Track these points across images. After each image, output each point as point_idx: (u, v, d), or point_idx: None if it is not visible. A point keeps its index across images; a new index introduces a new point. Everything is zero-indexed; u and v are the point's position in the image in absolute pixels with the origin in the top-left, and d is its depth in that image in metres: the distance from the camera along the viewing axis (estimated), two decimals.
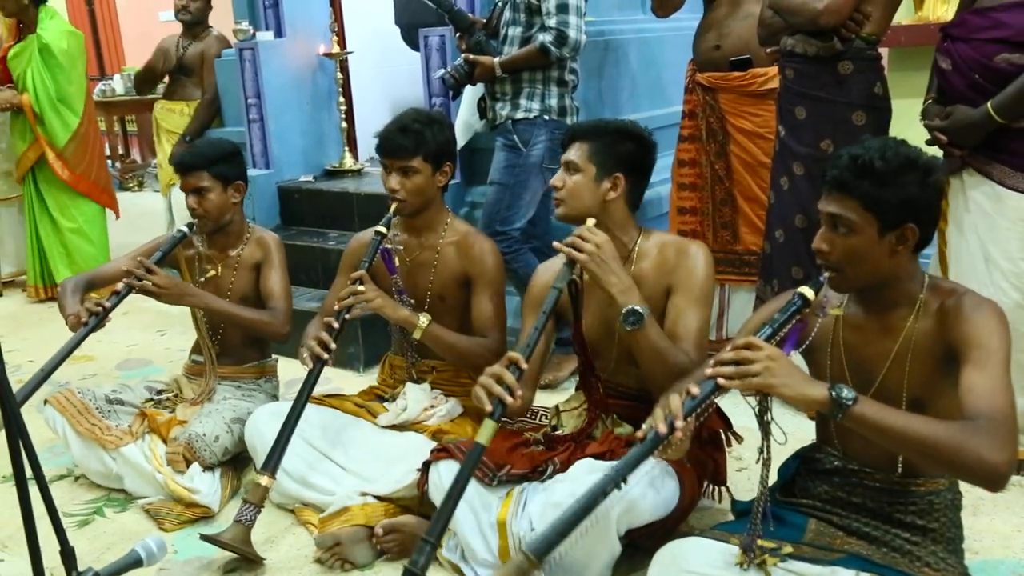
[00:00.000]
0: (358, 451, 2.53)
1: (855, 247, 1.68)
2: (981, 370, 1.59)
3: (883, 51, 2.93)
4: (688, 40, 3.49)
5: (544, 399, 2.50)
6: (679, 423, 1.59)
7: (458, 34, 3.46)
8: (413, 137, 2.51)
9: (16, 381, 2.45)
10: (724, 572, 1.72)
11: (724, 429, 2.32)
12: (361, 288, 2.42)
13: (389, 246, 2.59)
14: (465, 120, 3.81)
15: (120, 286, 2.63)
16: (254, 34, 4.59)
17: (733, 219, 3.43)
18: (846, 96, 2.78)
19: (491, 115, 3.46)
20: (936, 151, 2.46)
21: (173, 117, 4.93)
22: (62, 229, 4.83)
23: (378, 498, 2.39)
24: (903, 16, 3.47)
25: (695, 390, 1.62)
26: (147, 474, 2.61)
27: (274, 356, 3.04)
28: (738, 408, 1.95)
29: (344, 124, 4.80)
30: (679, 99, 3.57)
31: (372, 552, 2.31)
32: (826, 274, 1.75)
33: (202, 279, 2.87)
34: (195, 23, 4.84)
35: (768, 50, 3.09)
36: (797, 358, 1.89)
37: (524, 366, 2.00)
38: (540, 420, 2.49)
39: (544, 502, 2.07)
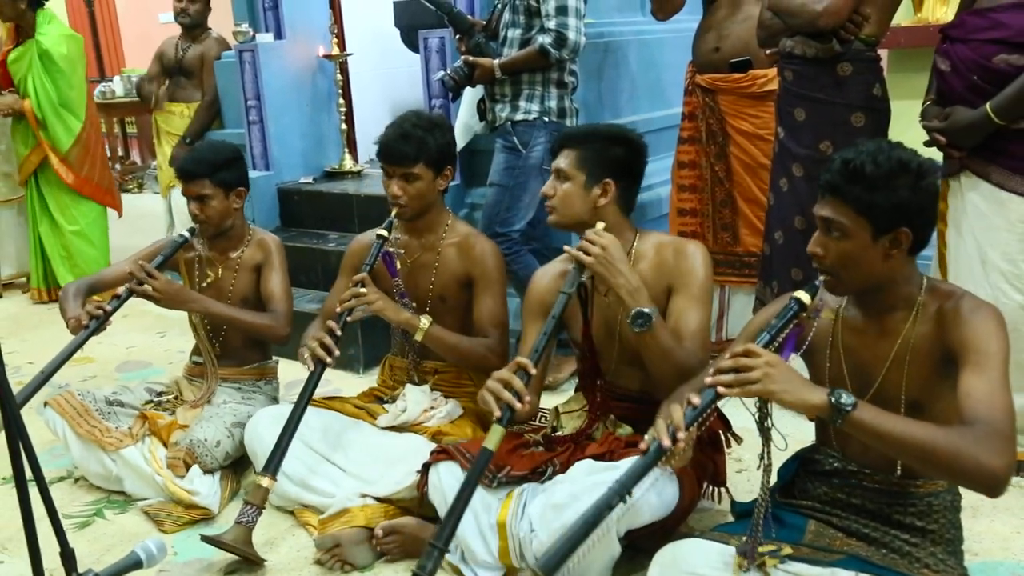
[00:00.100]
0: (358, 453, 2.53)
1: (849, 251, 1.69)
2: (979, 374, 1.59)
3: (882, 53, 2.93)
4: (688, 42, 3.49)
5: (543, 400, 2.51)
6: (681, 434, 1.59)
7: (458, 36, 3.46)
8: (415, 144, 2.50)
9: (16, 383, 2.45)
10: (724, 573, 1.72)
11: (723, 430, 2.32)
12: (363, 290, 2.43)
13: (390, 249, 2.59)
14: (464, 122, 3.81)
15: (121, 290, 2.64)
16: (254, 36, 4.59)
17: (733, 220, 3.43)
18: (845, 98, 2.78)
19: (491, 117, 3.46)
20: (935, 153, 2.47)
21: (173, 119, 4.93)
22: (64, 231, 4.83)
23: (378, 499, 2.39)
24: (902, 18, 3.47)
25: (696, 400, 1.63)
26: (147, 476, 2.62)
27: (275, 358, 3.05)
28: (737, 409, 1.95)
29: (344, 126, 4.80)
30: (679, 101, 3.58)
31: (372, 553, 2.31)
32: (821, 278, 1.75)
33: (203, 283, 2.88)
34: (194, 25, 4.84)
35: (767, 52, 3.09)
36: (798, 361, 1.90)
37: (533, 371, 2.01)
38: (540, 422, 2.49)
39: (544, 503, 2.07)
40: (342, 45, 4.87)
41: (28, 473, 1.50)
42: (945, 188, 2.58)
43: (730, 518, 2.14)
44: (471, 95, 3.72)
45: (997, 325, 1.65)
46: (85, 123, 4.78)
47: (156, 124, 5.06)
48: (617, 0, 4.21)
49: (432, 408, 2.62)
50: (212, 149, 2.89)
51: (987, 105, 2.35)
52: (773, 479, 1.80)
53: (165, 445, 2.66)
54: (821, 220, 1.72)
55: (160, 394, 2.91)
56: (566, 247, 2.13)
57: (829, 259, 1.72)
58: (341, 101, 4.77)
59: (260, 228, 3.01)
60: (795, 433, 1.87)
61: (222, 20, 4.98)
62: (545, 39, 3.19)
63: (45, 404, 2.74)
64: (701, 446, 2.23)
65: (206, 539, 2.28)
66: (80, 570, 1.65)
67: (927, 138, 2.52)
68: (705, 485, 2.32)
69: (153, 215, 5.56)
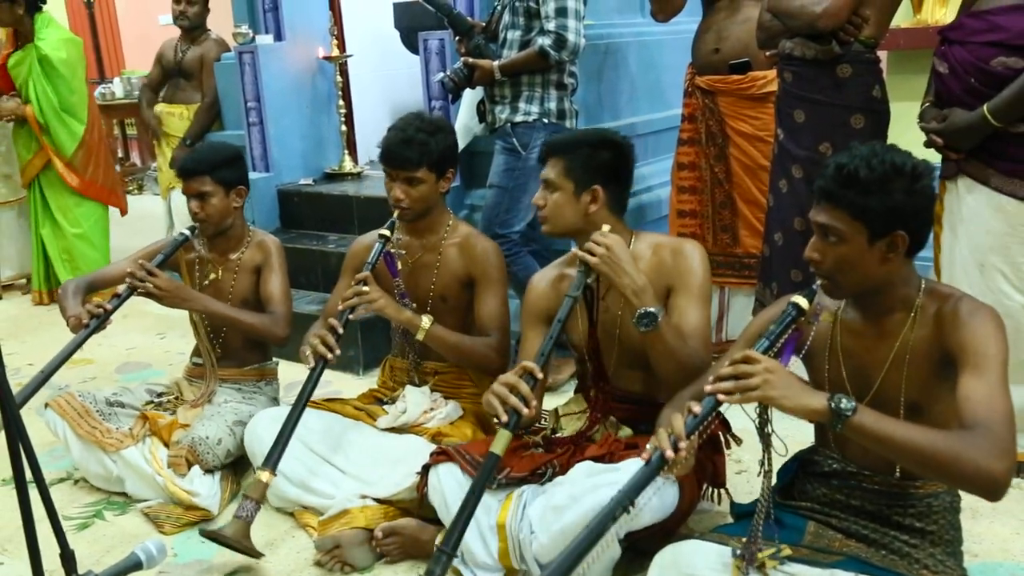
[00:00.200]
0: (358, 454, 2.53)
1: (845, 255, 1.69)
2: (979, 377, 1.59)
3: (882, 54, 2.93)
4: (687, 43, 3.49)
5: (543, 402, 2.51)
6: (683, 443, 1.60)
7: (457, 38, 3.47)
8: (418, 148, 2.50)
9: (16, 384, 2.46)
10: (723, 575, 1.72)
11: (723, 432, 2.32)
12: (365, 289, 2.43)
13: (392, 250, 2.59)
14: (464, 123, 3.81)
15: (121, 289, 2.64)
16: (254, 38, 4.59)
17: (732, 222, 3.43)
18: (845, 99, 2.78)
19: (490, 118, 3.46)
20: (933, 154, 2.47)
21: (172, 120, 4.94)
22: (66, 234, 4.83)
23: (378, 501, 2.39)
24: (901, 19, 3.48)
25: (696, 408, 1.63)
26: (147, 477, 2.62)
27: (275, 359, 3.05)
28: (737, 411, 1.95)
29: (344, 127, 4.80)
30: (678, 102, 3.58)
31: (372, 555, 2.32)
32: (819, 282, 1.75)
33: (203, 283, 2.88)
34: (193, 27, 4.85)
35: (767, 53, 3.10)
36: (798, 364, 1.90)
37: (539, 375, 2.01)
38: (540, 423, 2.49)
39: (544, 505, 2.07)
40: (342, 47, 4.87)
41: (28, 474, 1.50)
42: (942, 190, 2.59)
43: (730, 519, 2.15)
44: (471, 97, 3.72)
45: (996, 327, 1.65)
46: (88, 126, 4.78)
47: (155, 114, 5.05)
48: (617, 2, 4.22)
49: (432, 409, 2.62)
50: (212, 148, 2.91)
51: (984, 107, 2.34)
52: (772, 481, 1.80)
53: (166, 445, 2.66)
54: (817, 225, 1.72)
55: (160, 395, 2.92)
56: (575, 249, 2.13)
57: (826, 264, 1.72)
58: (341, 103, 4.77)
59: (260, 230, 3.01)
60: (794, 434, 1.87)
61: (222, 22, 4.99)
62: (545, 41, 3.20)
63: (46, 405, 2.74)
64: (701, 448, 2.23)
65: (204, 533, 2.28)
66: (80, 571, 1.65)
67: (926, 139, 2.52)
68: (705, 486, 2.32)
69: (153, 216, 5.57)
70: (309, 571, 2.32)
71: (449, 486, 2.19)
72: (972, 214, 2.47)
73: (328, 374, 3.66)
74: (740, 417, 2.00)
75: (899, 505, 1.80)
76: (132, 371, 3.89)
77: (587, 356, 2.35)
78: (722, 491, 2.35)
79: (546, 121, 3.31)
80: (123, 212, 5.19)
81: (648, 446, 1.65)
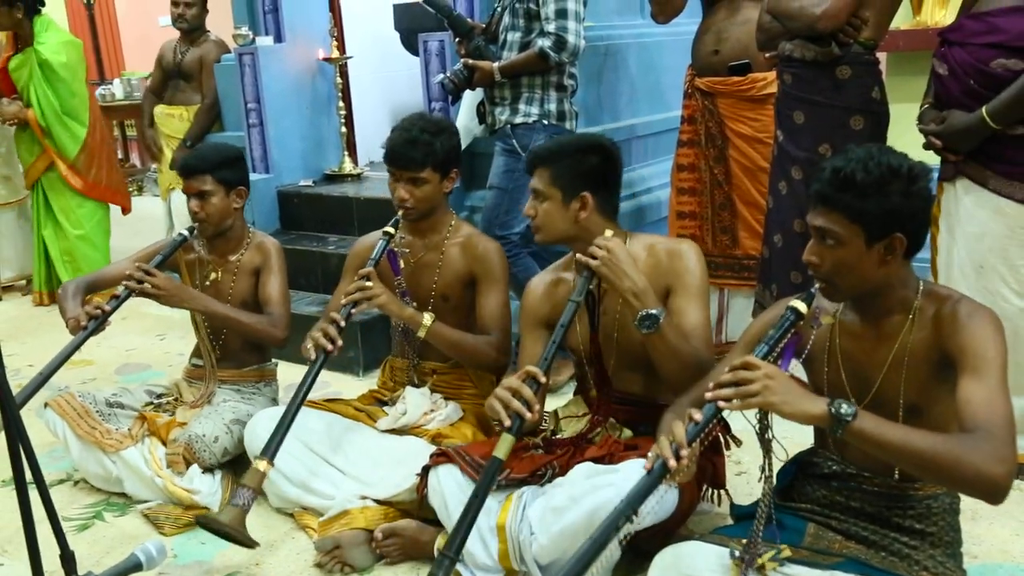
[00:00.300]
0: (358, 455, 2.53)
1: (843, 259, 1.69)
2: (978, 380, 1.59)
3: (881, 56, 2.94)
4: (687, 45, 3.50)
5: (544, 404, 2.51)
6: (684, 451, 1.60)
7: (457, 39, 3.47)
8: (422, 149, 2.51)
9: (15, 385, 2.46)
10: None
11: (723, 433, 2.32)
12: (368, 284, 2.44)
13: (395, 248, 2.60)
14: (464, 125, 3.81)
15: (120, 289, 2.64)
16: (254, 39, 4.59)
17: (732, 223, 3.43)
18: (844, 100, 2.78)
19: (490, 120, 3.46)
20: (932, 156, 2.47)
21: (172, 122, 4.94)
22: (68, 235, 4.83)
23: (378, 502, 2.39)
24: (901, 21, 3.48)
25: (697, 415, 1.64)
26: (146, 478, 2.61)
27: (274, 360, 3.05)
28: (737, 414, 1.95)
29: (344, 129, 4.80)
30: (678, 104, 3.58)
31: (371, 556, 2.31)
32: (817, 285, 1.75)
33: (203, 284, 2.88)
34: (192, 29, 4.85)
35: (766, 55, 3.10)
36: (798, 366, 1.90)
37: (543, 380, 2.01)
38: (541, 427, 2.49)
39: (544, 506, 2.07)
40: (342, 48, 4.87)
41: (28, 475, 1.50)
42: (940, 192, 2.59)
43: (729, 520, 2.15)
44: (470, 98, 3.73)
45: (995, 330, 1.65)
46: (89, 128, 4.79)
47: (156, 127, 5.07)
48: (617, 3, 4.22)
49: (432, 411, 2.62)
50: (214, 148, 2.91)
51: (983, 109, 2.34)
52: (773, 486, 1.80)
53: (164, 444, 2.66)
54: (815, 229, 1.72)
55: (160, 396, 2.92)
56: (578, 255, 2.13)
57: (824, 267, 1.72)
58: (341, 104, 4.77)
59: (260, 231, 3.01)
60: (794, 436, 1.87)
61: (222, 23, 4.99)
62: (545, 42, 3.20)
63: (45, 405, 2.74)
64: (700, 449, 2.23)
65: (200, 519, 2.29)
66: (80, 572, 1.65)
67: (925, 141, 2.52)
68: (704, 487, 2.32)
69: (153, 218, 5.57)
70: (309, 572, 2.32)
71: (449, 488, 2.19)
72: (970, 216, 2.47)
73: (328, 375, 3.67)
74: (740, 419, 2.00)
75: (899, 507, 1.80)
76: (132, 372, 3.89)
77: (588, 360, 2.35)
78: (722, 492, 2.35)
79: (546, 123, 3.31)
80: (126, 211, 5.18)
81: (649, 454, 1.66)
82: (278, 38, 4.65)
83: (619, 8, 4.25)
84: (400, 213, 2.58)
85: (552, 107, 3.32)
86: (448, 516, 2.17)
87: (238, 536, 2.24)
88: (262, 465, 2.28)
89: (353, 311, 2.44)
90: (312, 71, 4.75)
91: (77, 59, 4.75)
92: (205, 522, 2.27)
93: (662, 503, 2.02)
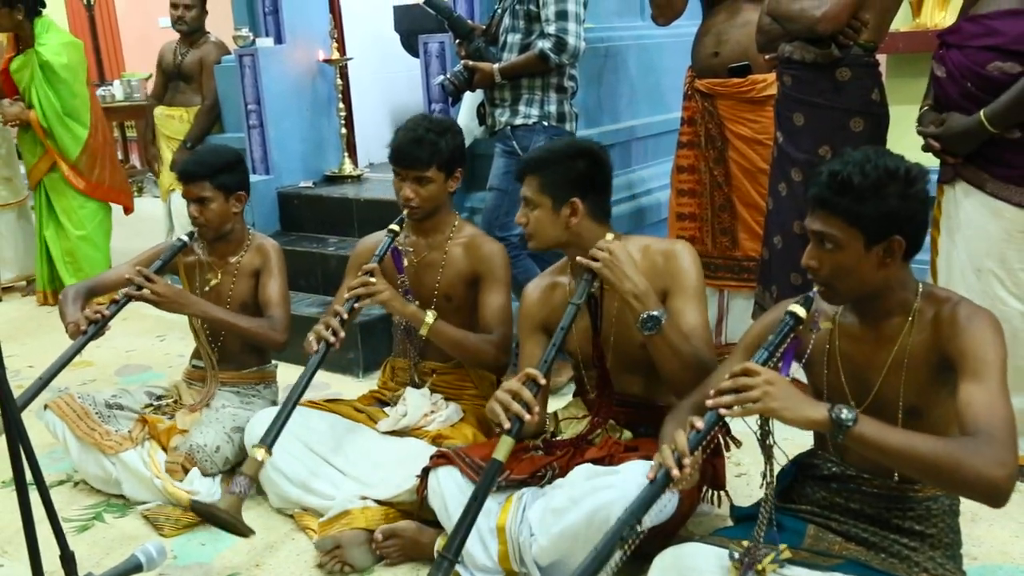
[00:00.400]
0: (358, 456, 2.53)
1: (842, 262, 1.69)
2: (978, 384, 1.59)
3: (881, 58, 2.94)
4: (687, 47, 3.50)
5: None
6: (687, 460, 1.61)
7: (457, 40, 3.47)
8: (428, 148, 2.53)
9: (16, 387, 2.46)
10: None
11: (723, 434, 2.32)
12: (372, 280, 2.44)
13: (399, 247, 2.60)
14: (464, 126, 3.79)
15: (119, 294, 2.65)
16: (254, 40, 4.59)
17: (732, 225, 3.44)
18: (844, 102, 2.78)
19: (490, 121, 3.47)
20: (931, 158, 2.47)
21: (172, 123, 4.95)
22: (70, 236, 4.83)
23: (378, 502, 2.39)
24: (901, 23, 3.48)
25: (699, 423, 1.64)
26: (146, 479, 2.62)
27: (274, 362, 3.05)
28: (738, 419, 1.95)
29: (344, 130, 4.80)
30: (678, 105, 3.59)
31: (371, 556, 2.31)
32: (816, 289, 1.75)
33: (203, 287, 2.88)
34: (192, 31, 4.85)
35: (766, 57, 3.10)
36: (798, 369, 1.90)
37: (543, 382, 2.01)
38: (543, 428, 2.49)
39: (544, 507, 2.07)
40: (342, 49, 4.87)
41: (28, 476, 1.50)
42: (940, 195, 2.59)
43: (729, 522, 2.15)
44: (471, 99, 3.73)
45: (994, 332, 1.65)
46: (91, 129, 4.79)
47: (156, 128, 5.07)
48: (617, 5, 4.23)
49: (432, 412, 2.62)
50: (214, 152, 2.90)
51: (981, 112, 2.34)
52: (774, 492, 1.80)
53: (164, 449, 2.67)
54: (813, 233, 1.72)
55: (160, 398, 2.92)
56: (578, 257, 2.13)
57: (823, 271, 1.72)
58: (341, 105, 4.77)
59: (259, 233, 3.01)
60: (794, 437, 1.87)
61: (222, 24, 4.99)
62: (545, 44, 3.20)
63: (45, 407, 2.74)
64: (703, 457, 2.23)
65: (195, 506, 2.29)
66: (80, 573, 1.65)
67: (923, 143, 2.52)
68: (704, 489, 2.32)
69: (153, 219, 5.57)
70: (309, 574, 2.32)
71: (449, 489, 2.19)
72: (969, 219, 2.47)
73: (328, 377, 3.67)
74: (740, 422, 2.00)
75: (898, 508, 1.80)
76: (131, 373, 3.89)
77: (588, 363, 2.35)
78: (722, 494, 2.35)
79: (546, 124, 3.32)
80: (129, 210, 5.19)
81: (652, 463, 1.67)
82: (278, 39, 4.65)
83: (619, 10, 4.25)
84: (405, 212, 2.59)
85: (552, 109, 3.33)
86: (448, 518, 2.17)
87: (233, 523, 2.22)
88: (260, 454, 2.27)
89: (356, 305, 2.45)
90: (312, 72, 4.75)
91: (78, 60, 4.75)
92: (201, 508, 2.26)
93: (662, 505, 2.02)
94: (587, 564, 1.59)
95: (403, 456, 2.47)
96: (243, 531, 2.25)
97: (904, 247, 1.68)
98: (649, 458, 2.05)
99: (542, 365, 2.06)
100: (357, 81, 5.24)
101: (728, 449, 2.33)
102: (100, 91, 7.62)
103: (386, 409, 2.71)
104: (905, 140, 2.60)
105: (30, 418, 2.43)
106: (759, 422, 1.69)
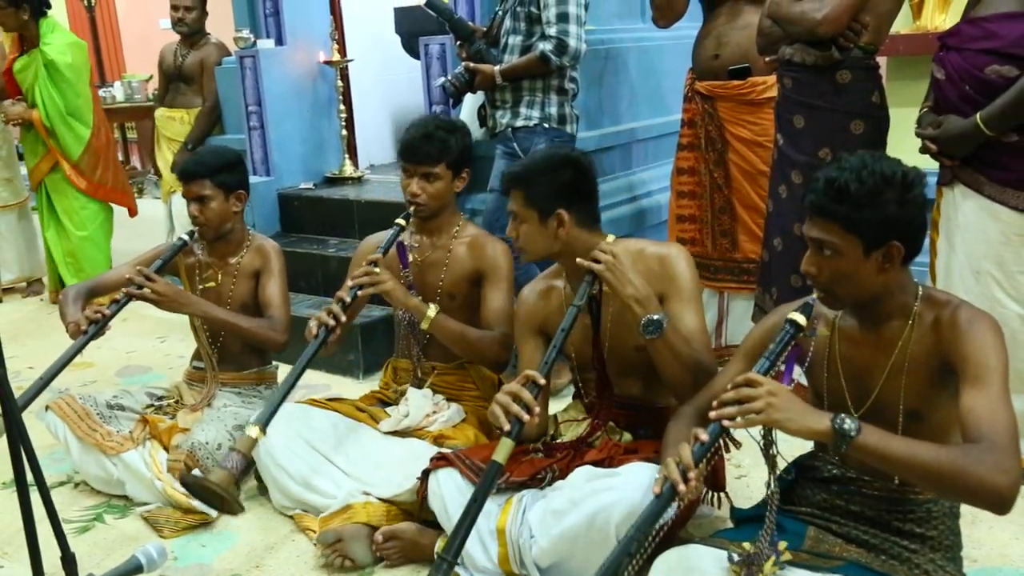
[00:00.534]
0: (360, 456, 2.54)
1: (841, 269, 1.69)
2: (980, 390, 1.59)
3: (881, 60, 2.94)
4: (687, 49, 3.50)
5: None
6: (692, 473, 1.61)
7: (458, 42, 3.48)
8: (438, 144, 2.55)
9: (16, 387, 2.46)
10: None
11: (722, 435, 2.32)
12: (376, 270, 2.45)
13: (405, 242, 2.61)
14: None
15: (120, 294, 2.65)
16: (255, 42, 4.60)
17: (732, 227, 3.44)
18: (844, 105, 2.79)
19: (491, 123, 3.47)
20: (930, 161, 2.47)
21: (173, 124, 4.95)
22: (71, 236, 4.83)
23: (380, 499, 2.39)
24: (901, 25, 3.48)
25: (703, 436, 1.64)
26: (147, 480, 2.62)
27: (274, 363, 3.05)
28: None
29: (344, 132, 4.81)
30: (678, 107, 3.59)
31: (372, 551, 2.31)
32: (815, 295, 1.75)
33: (202, 287, 2.89)
34: (192, 33, 4.86)
35: (767, 59, 3.11)
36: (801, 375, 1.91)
37: (542, 382, 2.01)
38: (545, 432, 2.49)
39: (544, 509, 2.08)
40: (343, 51, 4.88)
41: (29, 477, 1.51)
42: (939, 197, 2.59)
43: (729, 524, 2.15)
44: (472, 101, 3.73)
45: (995, 336, 1.65)
46: (94, 129, 4.79)
47: (157, 129, 5.08)
48: (618, 7, 4.23)
49: (434, 412, 2.63)
50: (214, 152, 2.92)
51: (977, 115, 2.34)
52: (777, 500, 1.80)
53: (166, 449, 2.67)
54: (811, 240, 1.71)
55: (160, 398, 2.92)
56: (578, 259, 2.13)
57: (823, 277, 1.72)
58: (342, 107, 4.78)
59: (260, 234, 3.02)
60: (794, 439, 1.87)
61: (223, 26, 5.00)
62: (546, 46, 3.20)
63: (46, 408, 2.74)
64: (707, 470, 2.23)
65: (185, 479, 2.28)
66: (80, 574, 1.65)
67: (921, 145, 2.53)
68: (704, 490, 2.32)
69: (154, 220, 5.57)
70: (309, 575, 2.32)
71: (449, 492, 2.19)
72: (968, 221, 2.47)
73: (328, 378, 3.68)
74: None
75: (899, 510, 1.80)
76: (132, 374, 3.89)
77: (585, 365, 2.35)
78: (722, 495, 2.35)
79: (547, 126, 3.32)
80: (132, 213, 5.19)
81: (657, 476, 1.67)
82: (279, 41, 4.66)
83: (620, 12, 4.26)
84: (411, 210, 2.60)
85: (553, 111, 3.33)
86: (448, 520, 2.17)
87: (224, 495, 2.21)
88: (254, 431, 2.27)
89: (360, 293, 2.46)
90: (313, 74, 4.76)
91: (82, 60, 4.76)
92: (192, 482, 2.26)
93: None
94: None
95: (404, 456, 2.48)
96: (233, 506, 2.25)
97: (903, 252, 1.67)
98: (649, 460, 2.06)
99: (543, 367, 2.06)
100: (358, 83, 5.25)
101: (728, 451, 2.33)
102: (101, 92, 7.63)
103: (388, 409, 2.71)
104: (905, 142, 2.61)
105: (31, 419, 2.43)
106: (762, 432, 1.69)
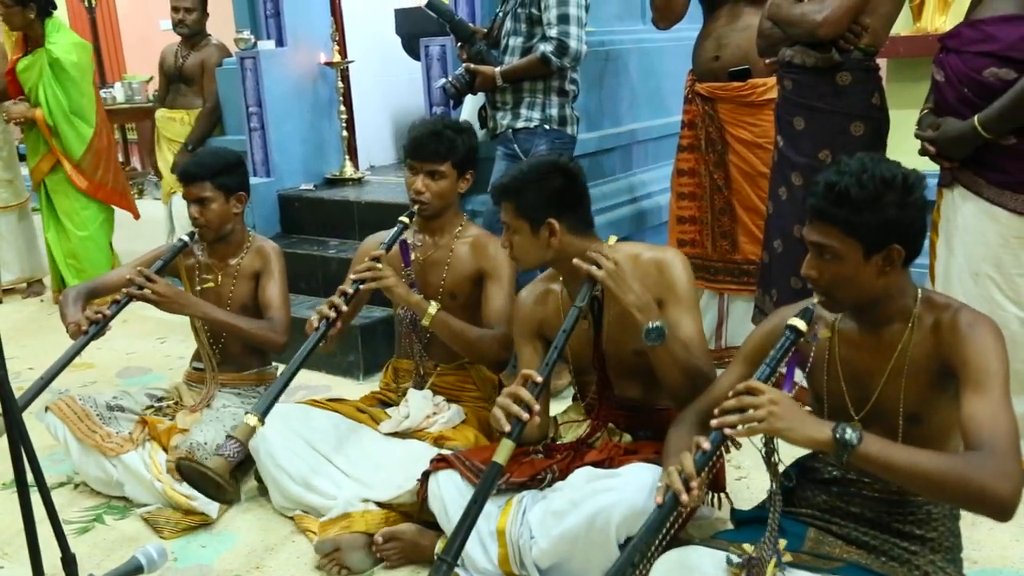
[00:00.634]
0: (360, 457, 2.54)
1: (842, 272, 1.68)
2: (981, 395, 1.58)
3: (881, 62, 2.94)
4: (687, 50, 3.51)
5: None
6: (694, 482, 1.61)
7: (459, 44, 3.48)
8: (446, 143, 2.57)
9: (16, 388, 2.46)
10: None
11: (723, 443, 2.32)
12: (379, 265, 2.45)
13: (408, 240, 2.61)
14: None
15: (120, 294, 2.66)
16: (255, 43, 4.60)
17: (732, 228, 3.44)
18: (844, 107, 2.79)
19: (492, 124, 3.47)
20: (930, 162, 2.47)
21: (173, 125, 4.95)
22: (72, 237, 4.84)
23: (379, 504, 2.39)
24: (901, 27, 3.49)
25: (705, 444, 1.64)
26: (146, 482, 2.62)
27: (274, 364, 3.05)
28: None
29: (345, 133, 4.81)
30: (678, 109, 3.59)
31: (371, 559, 2.32)
32: (815, 300, 1.75)
33: (202, 288, 2.89)
34: (193, 34, 4.86)
35: (767, 61, 3.11)
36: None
37: (539, 379, 2.01)
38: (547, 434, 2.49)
39: (544, 510, 2.08)
40: (343, 52, 4.88)
41: (29, 477, 1.51)
42: (939, 198, 2.59)
43: (729, 525, 2.15)
44: (472, 103, 3.73)
45: (995, 340, 1.64)
46: (96, 129, 4.80)
47: (157, 130, 5.08)
48: (618, 9, 4.24)
49: (435, 413, 2.63)
50: (214, 153, 2.92)
51: (975, 118, 2.34)
52: (780, 508, 1.80)
53: (165, 449, 2.67)
54: (811, 244, 1.71)
55: (160, 399, 2.92)
56: (575, 260, 2.12)
57: (823, 281, 1.72)
58: (342, 108, 4.78)
59: (260, 235, 3.02)
60: None
61: (223, 27, 5.00)
62: (546, 47, 3.21)
63: (46, 409, 2.74)
64: (708, 479, 2.23)
65: (181, 464, 2.28)
66: (80, 575, 1.65)
67: (920, 147, 2.53)
68: (704, 491, 2.32)
69: (154, 221, 5.57)
70: None
71: (449, 493, 2.19)
72: (967, 223, 2.47)
73: (328, 379, 3.68)
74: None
75: (899, 512, 1.80)
76: (132, 375, 3.89)
77: (584, 367, 2.35)
78: (722, 496, 2.35)
79: (547, 127, 3.32)
80: (135, 216, 5.20)
81: (659, 485, 1.67)
82: (280, 42, 4.66)
83: (620, 13, 4.26)
84: (415, 208, 2.61)
85: (554, 112, 3.33)
86: (448, 521, 2.17)
87: (219, 481, 2.20)
88: (252, 420, 2.27)
89: (362, 288, 2.46)
90: (313, 75, 4.76)
91: (87, 60, 4.77)
92: (187, 467, 2.25)
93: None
94: None
95: (405, 457, 2.48)
96: (229, 493, 2.25)
97: (903, 255, 1.67)
98: (649, 461, 2.06)
99: (543, 368, 2.06)
100: (358, 84, 5.25)
101: (728, 451, 2.32)
102: (101, 93, 7.62)
103: (388, 410, 2.71)
104: (905, 144, 2.61)
105: (31, 420, 2.43)
106: (764, 440, 1.69)
